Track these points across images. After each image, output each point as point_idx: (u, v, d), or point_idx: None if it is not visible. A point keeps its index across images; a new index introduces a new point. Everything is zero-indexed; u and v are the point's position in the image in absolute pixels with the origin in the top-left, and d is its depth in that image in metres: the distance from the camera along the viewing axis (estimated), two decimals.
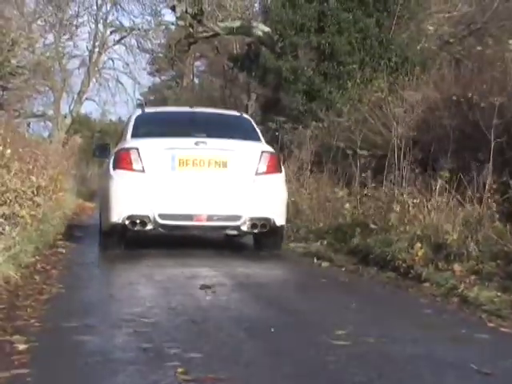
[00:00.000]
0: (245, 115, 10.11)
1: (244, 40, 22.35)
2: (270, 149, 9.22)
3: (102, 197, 9.90)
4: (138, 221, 8.62)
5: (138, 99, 40.77)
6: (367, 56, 17.19)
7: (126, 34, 32.64)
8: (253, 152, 8.89)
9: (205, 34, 20.91)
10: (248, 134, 9.28)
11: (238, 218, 8.69)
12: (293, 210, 11.63)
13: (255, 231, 8.94)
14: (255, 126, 9.70)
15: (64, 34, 31.29)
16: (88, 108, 67.52)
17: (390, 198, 8.98)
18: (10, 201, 7.49)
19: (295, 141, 14.88)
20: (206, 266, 8.20)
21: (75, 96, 33.81)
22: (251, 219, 8.73)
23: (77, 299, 5.90)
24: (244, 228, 8.81)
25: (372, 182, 9.91)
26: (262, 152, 8.92)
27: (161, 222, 8.63)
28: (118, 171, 8.74)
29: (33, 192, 8.81)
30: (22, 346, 4.17)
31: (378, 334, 4.70)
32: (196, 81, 40.71)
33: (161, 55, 34.89)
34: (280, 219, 8.94)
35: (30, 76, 24.24)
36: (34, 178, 9.06)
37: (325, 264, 8.54)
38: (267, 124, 15.36)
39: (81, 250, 9.64)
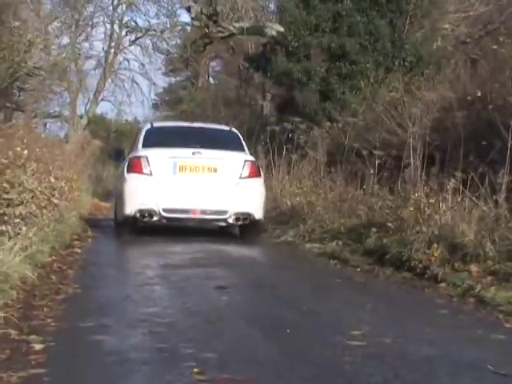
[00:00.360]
0: (233, 129, 11.90)
1: (259, 40, 22.31)
2: (251, 158, 11.24)
3: (117, 194, 11.90)
4: (146, 213, 10.57)
5: (154, 99, 40.87)
6: (380, 56, 17.13)
7: (141, 34, 32.67)
8: (238, 161, 10.86)
9: (220, 35, 20.89)
10: (235, 146, 11.20)
11: (225, 212, 10.67)
12: (308, 210, 11.61)
13: (239, 223, 10.91)
14: (241, 138, 11.59)
15: (80, 35, 31.38)
16: (104, 108, 67.61)
17: (405, 198, 8.94)
18: (27, 201, 7.51)
19: (310, 141, 14.85)
20: (220, 266, 8.21)
21: (91, 96, 33.91)
22: (236, 213, 10.68)
23: (93, 299, 5.92)
24: (230, 220, 10.77)
25: (387, 182, 9.88)
26: (245, 161, 10.91)
27: (164, 214, 10.59)
28: (131, 174, 10.74)
29: (50, 193, 8.83)
30: (38, 346, 4.18)
31: (393, 335, 4.69)
32: (211, 81, 40.74)
33: (176, 56, 34.89)
34: (258, 214, 10.84)
35: (46, 77, 24.31)
36: (52, 179, 9.09)
37: (340, 264, 8.52)
38: (283, 124, 15.32)
39: (96, 250, 9.66)
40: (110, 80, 34.32)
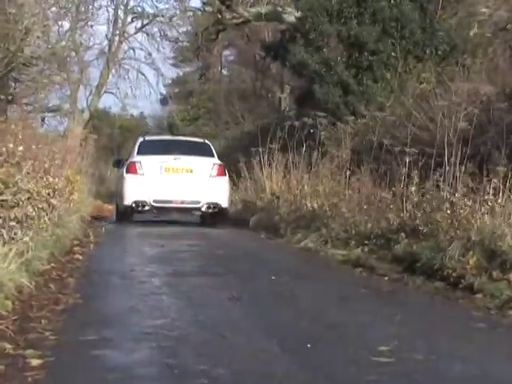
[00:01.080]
0: (206, 141, 17.02)
1: (277, 27, 22.31)
2: (218, 162, 15.93)
3: (118, 190, 16.75)
4: (140, 204, 15.29)
5: (161, 94, 40.88)
6: (409, 44, 17.07)
7: (148, 21, 32.71)
8: (208, 164, 15.69)
9: (234, 21, 20.90)
10: (206, 153, 16.06)
11: (199, 202, 15.42)
12: (331, 213, 11.59)
13: (210, 211, 15.60)
14: (212, 147, 16.52)
15: (81, 21, 31.43)
16: (107, 102, 67.63)
17: (438, 200, 8.90)
18: (23, 203, 7.52)
19: (332, 138, 14.83)
20: (233, 273, 8.22)
21: (93, 89, 33.97)
22: (207, 203, 15.44)
23: (95, 310, 5.93)
24: (203, 209, 15.56)
25: (418, 182, 9.83)
26: (214, 164, 15.72)
27: (154, 204, 15.33)
28: (129, 175, 15.56)
29: (48, 193, 8.85)
30: (35, 361, 4.19)
31: (425, 351, 4.66)
32: (224, 72, 40.79)
33: (186, 44, 34.93)
34: (224, 203, 15.63)
35: (44, 67, 24.38)
36: (50, 178, 9.11)
37: (366, 272, 8.51)
38: (303, 119, 15.30)
39: (99, 257, 9.69)
40: (113, 71, 34.38)
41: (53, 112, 31.55)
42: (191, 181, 15.32)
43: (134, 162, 15.63)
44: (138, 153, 15.97)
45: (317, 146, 14.19)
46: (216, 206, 15.42)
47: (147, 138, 17.80)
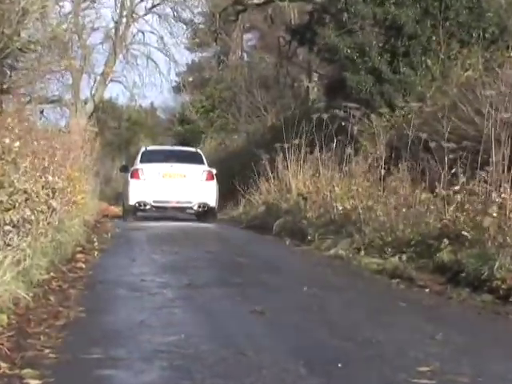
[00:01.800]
0: (198, 150, 22.87)
1: (304, 7, 22.30)
2: (207, 168, 20.65)
3: (124, 192, 21.85)
4: (142, 204, 19.85)
5: (174, 81, 40.94)
6: (452, 26, 16.99)
7: (159, 0, 32.77)
8: (199, 170, 20.36)
9: (256, 1, 20.93)
10: (197, 161, 20.90)
11: (191, 202, 20.01)
12: (364, 216, 11.57)
13: (200, 209, 20.20)
14: (203, 156, 21.59)
15: (84, 1, 31.53)
16: (113, 92, 67.78)
17: (485, 202, 8.87)
18: (19, 204, 7.55)
19: (366, 132, 14.81)
20: (257, 285, 8.22)
21: (98, 77, 34.06)
22: (198, 203, 19.96)
23: (100, 325, 5.95)
24: (195, 207, 20.09)
25: (462, 182, 9.81)
26: (204, 170, 20.39)
27: (154, 204, 19.94)
28: (133, 179, 20.16)
29: (47, 194, 8.88)
30: (34, 382, 4.21)
31: (471, 372, 4.65)
32: (245, 57, 40.77)
33: (202, 27, 34.95)
34: (212, 203, 20.17)
35: (43, 53, 24.49)
36: (49, 177, 9.15)
37: (404, 284, 8.49)
38: (333, 111, 15.27)
39: (104, 266, 9.72)
40: (120, 57, 34.44)
41: (53, 103, 31.69)
42: (185, 184, 20.00)
43: (137, 169, 20.47)
44: (141, 161, 20.87)
45: (349, 141, 14.14)
46: (205, 205, 20.10)
47: (148, 148, 23.14)
